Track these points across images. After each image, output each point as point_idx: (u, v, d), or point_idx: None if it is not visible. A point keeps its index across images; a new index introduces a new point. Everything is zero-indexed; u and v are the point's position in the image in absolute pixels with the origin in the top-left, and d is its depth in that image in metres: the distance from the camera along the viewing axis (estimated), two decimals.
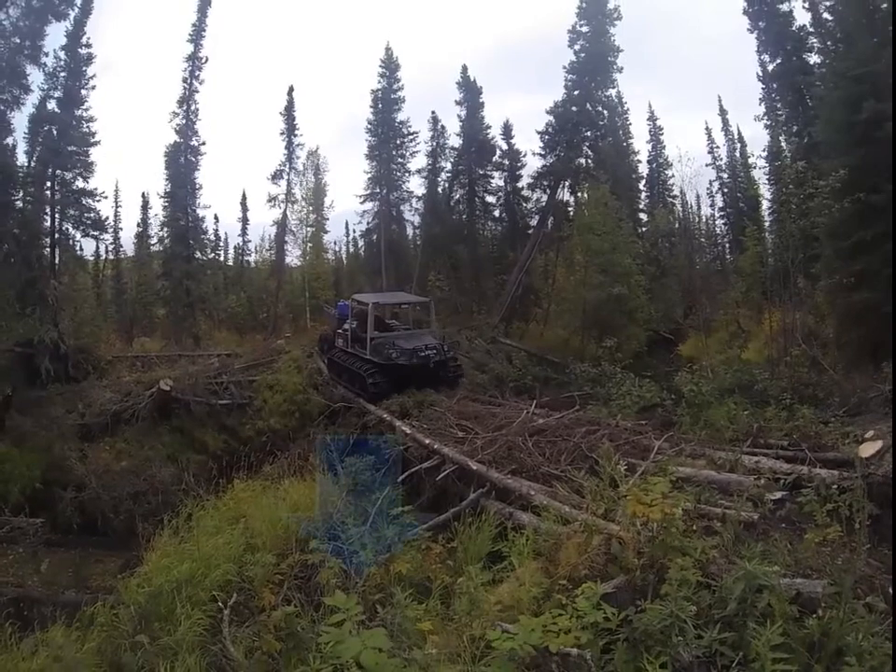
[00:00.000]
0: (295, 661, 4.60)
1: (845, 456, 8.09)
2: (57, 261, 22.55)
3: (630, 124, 35.76)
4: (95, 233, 24.88)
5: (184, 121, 27.90)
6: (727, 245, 35.81)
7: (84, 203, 23.29)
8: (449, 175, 32.55)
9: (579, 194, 30.58)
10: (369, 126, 32.10)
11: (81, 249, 27.32)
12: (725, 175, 35.01)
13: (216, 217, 36.04)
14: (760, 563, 4.39)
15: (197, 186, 28.56)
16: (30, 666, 4.65)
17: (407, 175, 32.56)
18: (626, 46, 28.03)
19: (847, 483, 6.49)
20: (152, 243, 33.36)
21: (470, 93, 31.53)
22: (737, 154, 34.85)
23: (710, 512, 6.30)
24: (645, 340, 24.86)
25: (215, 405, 16.39)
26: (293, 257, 34.59)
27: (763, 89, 26.12)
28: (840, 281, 14.94)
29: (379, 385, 15.05)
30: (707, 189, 35.01)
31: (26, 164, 21.58)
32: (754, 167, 30.62)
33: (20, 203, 20.28)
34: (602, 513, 6.29)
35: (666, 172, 35.55)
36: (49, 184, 22.25)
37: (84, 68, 23.04)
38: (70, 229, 23.56)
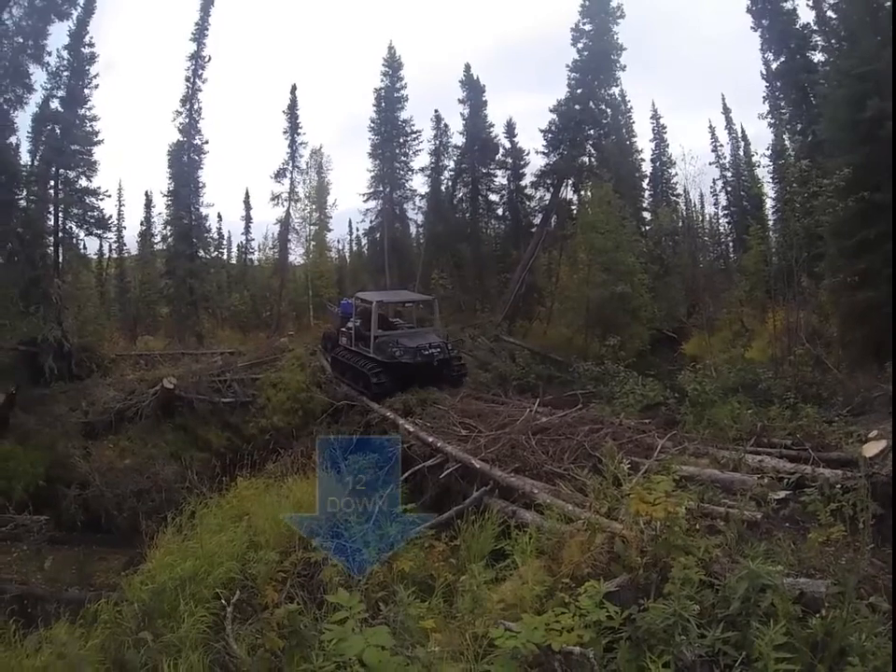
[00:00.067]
0: (298, 658, 4.60)
1: (848, 456, 8.06)
2: (60, 260, 22.55)
3: (633, 122, 35.63)
4: (99, 232, 24.94)
5: (187, 120, 27.98)
6: (731, 244, 35.65)
7: (87, 201, 23.35)
8: (452, 173, 32.52)
9: (582, 192, 30.48)
10: (372, 125, 32.10)
11: (85, 248, 27.40)
12: (729, 174, 34.81)
13: (219, 216, 35.97)
14: (763, 562, 4.38)
15: (200, 184, 28.66)
16: (34, 663, 4.66)
17: (410, 173, 32.59)
18: (629, 44, 28.01)
19: (851, 482, 6.46)
20: (156, 241, 33.33)
21: (473, 91, 31.47)
22: (741, 152, 34.66)
23: (714, 511, 6.29)
24: (648, 338, 24.80)
25: (218, 403, 16.42)
26: (296, 255, 34.61)
27: (766, 87, 26.07)
28: (844, 280, 14.92)
29: (383, 383, 15.05)
30: (711, 187, 34.80)
31: (30, 163, 21.68)
32: (758, 165, 30.53)
33: (23, 202, 20.31)
34: (605, 512, 6.28)
35: (670, 170, 35.37)
36: (52, 183, 22.30)
37: (87, 67, 23.08)
38: (74, 227, 23.67)
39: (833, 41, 21.22)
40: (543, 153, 29.78)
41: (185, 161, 28.13)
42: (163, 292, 29.13)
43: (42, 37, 20.75)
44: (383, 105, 31.87)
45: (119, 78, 59.78)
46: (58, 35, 22.23)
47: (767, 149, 27.07)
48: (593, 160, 29.55)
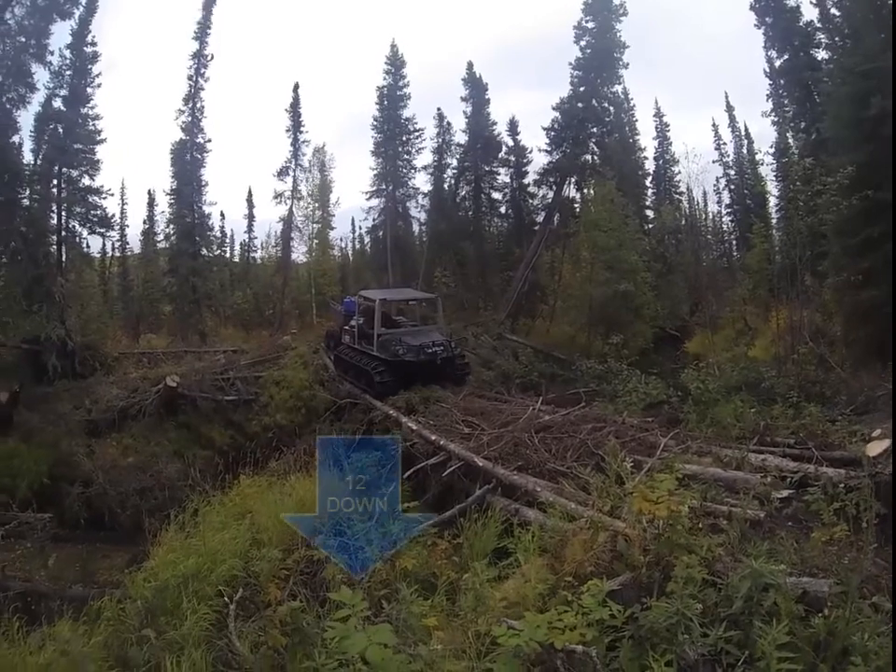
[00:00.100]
0: (300, 656, 4.61)
1: (852, 455, 8.04)
2: (64, 259, 22.67)
3: (636, 120, 35.55)
4: (101, 231, 25.11)
5: (190, 119, 27.99)
6: (734, 242, 35.60)
7: (90, 200, 23.43)
8: (455, 171, 32.51)
9: (585, 191, 30.47)
10: (374, 123, 32.09)
11: (88, 246, 27.32)
12: (732, 172, 34.76)
13: (222, 214, 35.98)
14: (766, 561, 4.37)
15: (203, 183, 28.66)
16: (37, 660, 4.68)
17: (413, 171, 32.57)
18: (632, 42, 27.87)
19: (854, 481, 6.45)
20: (158, 240, 33.45)
21: (476, 89, 31.46)
22: (744, 150, 34.62)
23: (716, 510, 6.29)
24: (651, 337, 24.81)
25: (221, 401, 16.45)
26: (299, 253, 34.62)
27: (770, 85, 26.00)
28: (848, 278, 14.85)
29: (386, 381, 15.05)
30: (714, 185, 34.73)
31: (32, 162, 21.74)
32: (761, 164, 30.46)
33: (26, 201, 20.34)
34: (608, 510, 6.27)
35: (673, 168, 35.36)
36: (55, 182, 22.41)
37: (89, 66, 23.15)
38: (76, 226, 23.73)
39: (836, 38, 21.16)
40: (546, 151, 29.81)
41: (188, 159, 28.15)
42: (166, 290, 29.20)
43: (44, 37, 20.78)
44: (385, 103, 31.85)
45: (121, 77, 60.14)
46: (60, 34, 22.38)
47: (770, 147, 27.07)
48: (596, 158, 29.52)
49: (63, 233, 22.64)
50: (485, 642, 4.36)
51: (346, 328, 17.99)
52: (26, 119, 21.22)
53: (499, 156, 31.96)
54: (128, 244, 35.07)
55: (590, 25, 27.86)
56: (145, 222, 34.53)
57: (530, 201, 31.88)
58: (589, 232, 25.22)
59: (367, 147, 32.54)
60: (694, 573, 4.34)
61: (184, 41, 28.20)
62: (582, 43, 28.05)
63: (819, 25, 23.52)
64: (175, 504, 7.90)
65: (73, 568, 9.24)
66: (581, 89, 28.36)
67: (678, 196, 35.85)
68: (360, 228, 38.40)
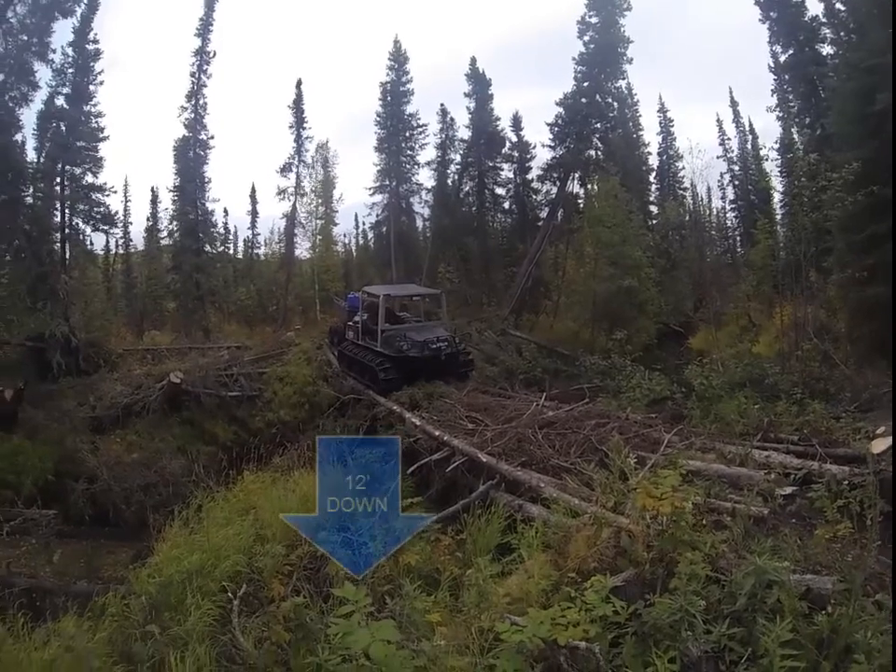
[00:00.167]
0: (304, 651, 4.61)
1: (856, 452, 8.05)
2: (67, 256, 22.73)
3: (640, 116, 35.54)
4: (105, 228, 25.07)
5: (192, 116, 28.00)
6: (738, 238, 35.51)
7: (93, 197, 23.45)
8: (458, 167, 32.44)
9: (589, 186, 30.42)
10: (378, 119, 32.09)
11: (91, 244, 27.35)
12: (736, 168, 34.68)
13: (225, 211, 36.09)
14: (769, 558, 4.37)
15: (206, 179, 28.75)
16: (42, 656, 4.68)
17: (416, 167, 32.58)
18: (636, 37, 27.76)
19: (858, 479, 6.44)
20: (162, 237, 33.53)
21: (479, 85, 31.35)
22: (749, 146, 34.53)
23: (720, 507, 6.30)
24: (655, 333, 24.75)
25: (225, 397, 16.46)
26: (302, 249, 34.56)
27: (774, 80, 25.84)
28: (852, 275, 14.80)
29: (390, 377, 15.09)
30: (718, 181, 34.77)
31: (35, 160, 21.73)
32: (766, 159, 30.21)
33: (30, 199, 20.35)
34: (612, 506, 6.29)
35: (677, 164, 35.21)
36: (58, 179, 22.40)
37: (92, 64, 23.13)
38: (80, 224, 23.78)
39: (841, 33, 21.04)
40: (550, 147, 29.75)
41: (191, 156, 28.18)
42: (170, 287, 29.24)
43: (46, 35, 20.78)
44: (389, 98, 31.84)
45: (124, 75, 60.08)
46: (62, 31, 22.37)
47: (775, 143, 26.92)
48: (599, 153, 29.43)
49: (67, 231, 22.69)
50: (489, 638, 4.36)
51: (350, 324, 18.02)
52: (29, 117, 21.30)
53: (503, 151, 31.92)
54: (131, 241, 35.21)
55: (594, 20, 27.72)
56: (148, 219, 34.67)
57: (534, 196, 31.89)
58: (593, 228, 25.17)
59: (370, 142, 32.59)
60: (698, 570, 4.35)
61: (186, 38, 28.21)
62: (586, 38, 27.94)
63: (824, 20, 23.36)
64: (179, 500, 7.93)
65: (77, 564, 9.23)
66: (585, 84, 28.27)
67: (681, 192, 35.78)
68: (364, 224, 38.42)
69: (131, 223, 34.47)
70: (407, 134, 32.12)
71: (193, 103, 27.92)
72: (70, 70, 22.56)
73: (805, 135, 24.16)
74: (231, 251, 37.11)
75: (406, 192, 32.81)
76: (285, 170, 31.35)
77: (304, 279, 33.86)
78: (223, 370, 17.51)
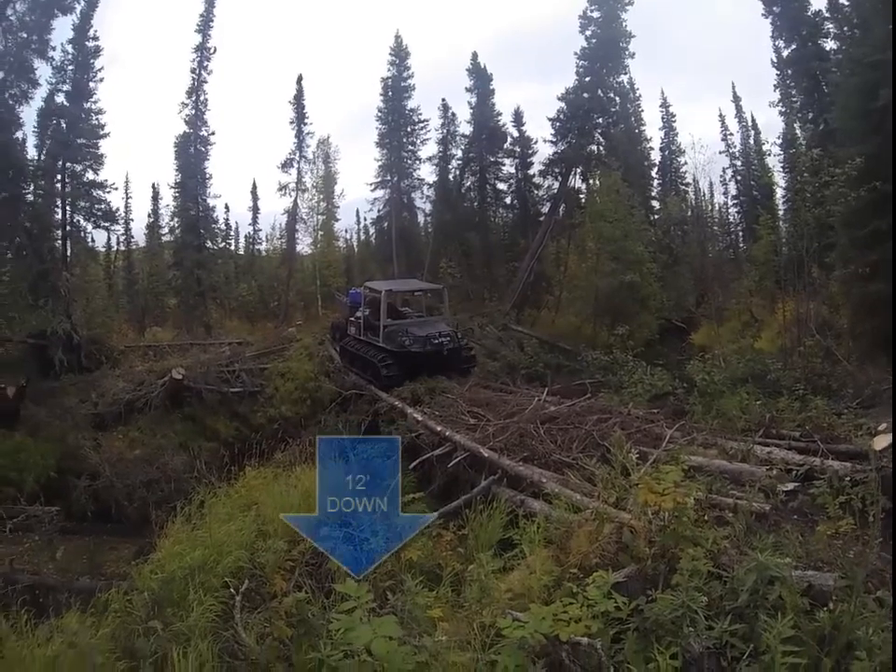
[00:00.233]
0: (306, 647, 4.61)
1: (857, 448, 8.04)
2: (68, 253, 22.77)
3: (642, 111, 35.25)
4: (106, 225, 25.12)
5: (193, 112, 27.97)
6: (740, 234, 35.32)
7: (94, 194, 23.43)
8: (460, 162, 32.45)
9: (590, 181, 30.40)
10: (379, 114, 32.08)
11: (92, 241, 27.42)
12: (739, 163, 34.46)
13: (226, 207, 36.00)
14: (771, 554, 4.36)
15: (207, 175, 28.71)
16: (45, 652, 4.69)
17: (418, 162, 32.56)
18: (638, 31, 27.70)
19: (860, 475, 6.45)
20: (163, 233, 33.45)
21: (481, 80, 31.32)
22: (751, 141, 34.27)
23: (722, 503, 6.29)
24: (657, 328, 24.73)
25: (226, 393, 16.52)
26: (304, 245, 34.61)
27: (777, 75, 25.73)
28: (855, 271, 14.78)
29: (392, 372, 15.10)
30: (721, 176, 34.49)
31: (36, 158, 21.73)
32: (768, 154, 30.12)
33: (31, 197, 20.39)
34: (613, 502, 6.28)
35: (679, 159, 35.03)
36: (59, 176, 22.38)
37: (92, 61, 23.09)
38: (81, 220, 23.80)
39: (845, 29, 20.95)
40: (551, 142, 29.75)
41: (191, 152, 28.16)
42: (171, 283, 29.21)
43: (46, 32, 20.74)
44: (390, 94, 31.81)
45: (124, 71, 59.89)
46: (62, 29, 22.30)
47: (778, 138, 26.80)
48: (601, 148, 29.39)
49: (68, 228, 22.69)
50: (490, 634, 4.35)
51: (352, 319, 18.03)
52: (29, 114, 21.29)
53: (504, 146, 31.89)
54: (132, 237, 35.10)
55: (595, 15, 27.66)
56: (149, 216, 34.58)
57: (535, 191, 31.85)
58: (594, 223, 25.11)
59: (371, 138, 32.57)
60: (700, 565, 4.35)
61: (186, 34, 28.13)
62: (588, 33, 27.85)
63: (827, 15, 23.29)
64: (182, 496, 7.91)
65: (80, 561, 9.27)
66: (587, 79, 28.20)
67: (684, 187, 35.55)
68: (365, 219, 38.31)
69: (132, 220, 34.41)
70: (408, 130, 32.09)
71: (194, 99, 27.88)
72: (70, 67, 22.52)
73: (808, 131, 24.09)
74: (233, 247, 37.09)
75: (407, 188, 32.84)
76: (286, 166, 31.41)
77: (306, 275, 33.83)
78: (225, 366, 17.55)
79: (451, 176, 32.47)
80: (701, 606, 4.00)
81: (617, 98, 30.13)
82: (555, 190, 30.06)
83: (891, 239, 11.99)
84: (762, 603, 4.04)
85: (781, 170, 27.31)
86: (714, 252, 32.65)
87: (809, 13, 24.02)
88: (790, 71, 25.04)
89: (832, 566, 4.65)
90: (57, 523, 9.78)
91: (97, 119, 23.63)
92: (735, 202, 35.29)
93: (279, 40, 64.01)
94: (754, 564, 4.21)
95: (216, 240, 30.24)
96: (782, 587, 4.06)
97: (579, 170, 29.67)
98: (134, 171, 40.39)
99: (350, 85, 63.20)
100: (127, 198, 33.63)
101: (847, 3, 20.85)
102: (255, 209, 36.68)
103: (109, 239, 33.16)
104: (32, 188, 20.50)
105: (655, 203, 33.66)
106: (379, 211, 33.41)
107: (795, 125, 25.29)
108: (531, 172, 31.81)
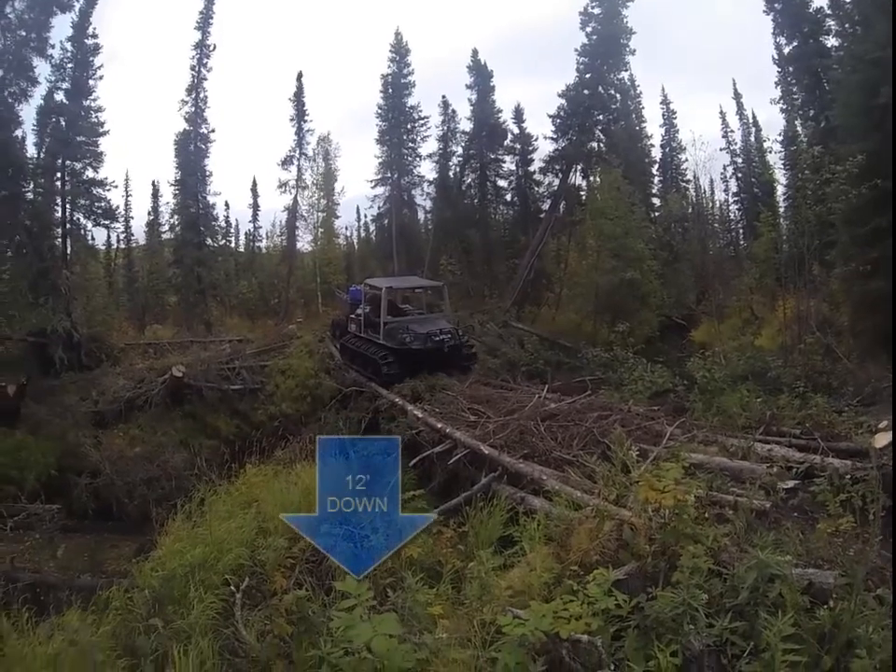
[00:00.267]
0: (306, 644, 4.61)
1: (858, 446, 8.04)
2: (69, 251, 22.69)
3: (643, 108, 35.16)
4: (106, 223, 24.98)
5: (193, 109, 27.86)
6: (741, 231, 35.30)
7: (94, 192, 23.31)
8: (460, 159, 32.31)
9: (591, 178, 30.32)
10: (379, 111, 31.90)
11: (92, 239, 27.33)
12: (740, 160, 34.37)
13: (226, 204, 35.91)
14: (772, 552, 4.37)
15: (207, 173, 28.61)
16: (46, 650, 4.70)
17: (418, 159, 32.41)
18: (639, 28, 27.48)
19: (861, 473, 6.45)
20: (163, 231, 33.35)
21: (481, 77, 31.20)
22: (752, 138, 34.19)
23: (722, 500, 6.29)
24: (657, 325, 24.66)
25: (227, 391, 16.53)
26: (304, 242, 34.49)
27: (778, 72, 25.62)
28: (856, 268, 14.74)
29: (393, 370, 15.10)
30: (721, 173, 34.36)
31: (36, 156, 21.63)
32: (769, 152, 29.96)
33: (30, 195, 20.35)
34: (614, 499, 6.28)
35: (680, 156, 34.92)
36: (59, 174, 22.29)
37: (91, 59, 22.97)
38: (81, 218, 23.63)
39: (846, 25, 20.86)
40: (552, 139, 29.55)
41: (191, 150, 28.08)
42: (171, 281, 29.17)
43: (45, 30, 20.65)
44: (390, 90, 31.67)
45: (123, 69, 59.73)
46: (61, 26, 22.19)
47: (779, 135, 26.69)
48: (602, 145, 29.26)
49: (68, 226, 22.58)
50: (490, 631, 4.36)
51: (352, 316, 18.02)
52: (28, 112, 21.15)
53: (505, 143, 31.74)
54: (133, 235, 35.04)
55: (596, 11, 27.47)
56: (149, 213, 34.47)
57: (536, 188, 31.72)
58: (595, 220, 25.09)
59: (371, 135, 32.40)
60: (700, 563, 4.35)
61: (186, 31, 27.99)
62: (588, 29, 27.67)
63: (828, 12, 23.17)
64: (182, 494, 7.91)
65: (81, 559, 9.31)
66: (587, 76, 28.05)
67: (684, 184, 35.53)
68: (366, 216, 38.27)
69: (132, 217, 34.33)
70: (408, 127, 31.98)
71: (194, 96, 27.79)
72: (69, 65, 22.42)
73: (809, 128, 24.00)
74: (233, 244, 37.03)
75: (408, 185, 32.72)
76: (286, 163, 31.35)
77: (306, 272, 33.80)
78: (225, 363, 17.57)
79: (451, 173, 32.38)
80: (701, 603, 4.01)
81: (618, 95, 30.01)
82: (556, 187, 29.94)
83: (892, 236, 11.96)
84: (762, 601, 4.05)
85: (782, 167, 27.31)
86: (714, 249, 32.61)
87: (810, 10, 23.89)
88: (791, 68, 24.96)
89: (832, 563, 4.65)
90: (58, 521, 9.82)
91: (97, 116, 23.56)
92: (736, 199, 35.27)
93: (279, 37, 63.78)
94: (755, 561, 4.21)
95: (216, 237, 30.19)
96: (782, 585, 4.07)
97: (579, 167, 29.55)
98: (134, 168, 40.17)
99: (350, 82, 62.90)
100: (127, 196, 33.57)
101: (848, 0, 20.79)
102: (255, 206, 36.66)
103: (109, 237, 33.18)
104: (31, 186, 20.45)
105: (656, 200, 33.61)
106: (379, 208, 33.36)
107: (796, 122, 25.23)
108: (531, 169, 31.69)
